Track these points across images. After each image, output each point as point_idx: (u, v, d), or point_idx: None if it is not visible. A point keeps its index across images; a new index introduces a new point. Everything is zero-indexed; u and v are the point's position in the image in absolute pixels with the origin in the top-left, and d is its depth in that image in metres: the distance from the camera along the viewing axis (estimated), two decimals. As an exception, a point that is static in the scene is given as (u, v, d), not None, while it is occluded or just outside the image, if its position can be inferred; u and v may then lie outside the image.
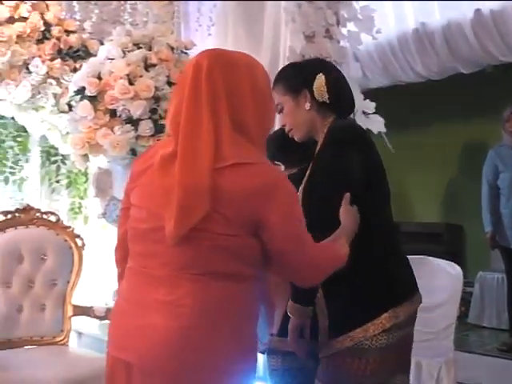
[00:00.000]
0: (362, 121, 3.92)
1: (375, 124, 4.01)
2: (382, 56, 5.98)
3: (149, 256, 1.97)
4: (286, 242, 1.92)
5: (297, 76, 2.48)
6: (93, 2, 4.62)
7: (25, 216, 4.16)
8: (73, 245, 4.15)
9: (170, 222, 1.87)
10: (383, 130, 4.02)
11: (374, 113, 4.01)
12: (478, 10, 5.29)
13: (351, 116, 2.69)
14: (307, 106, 2.43)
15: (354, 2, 4.08)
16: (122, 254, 2.13)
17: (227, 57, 2.01)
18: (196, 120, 1.90)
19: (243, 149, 1.92)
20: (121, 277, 2.14)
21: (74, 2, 4.45)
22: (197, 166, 1.87)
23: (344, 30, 4.12)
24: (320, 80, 2.39)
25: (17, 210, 4.22)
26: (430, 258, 4.13)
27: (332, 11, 3.98)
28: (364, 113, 3.99)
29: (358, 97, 3.98)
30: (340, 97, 2.45)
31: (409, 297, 2.40)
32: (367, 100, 4.02)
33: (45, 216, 4.18)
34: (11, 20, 4.34)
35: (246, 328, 1.98)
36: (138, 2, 4.74)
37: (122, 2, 4.74)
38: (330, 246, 2.11)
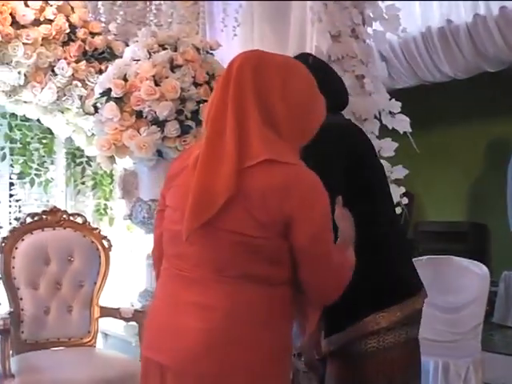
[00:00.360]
0: (388, 121, 3.91)
1: (401, 124, 3.98)
2: (408, 55, 5.94)
3: (182, 258, 1.97)
4: (312, 247, 1.90)
5: None
6: (117, 4, 4.62)
7: (52, 218, 4.17)
8: (100, 246, 4.16)
9: (185, 218, 1.88)
10: (409, 129, 4.00)
11: (400, 112, 3.99)
12: (502, 8, 5.24)
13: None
14: None
15: (379, 1, 4.06)
16: (158, 255, 2.14)
17: (260, 57, 1.99)
18: (221, 119, 1.90)
19: (274, 146, 1.89)
20: (157, 278, 2.15)
21: (99, 4, 4.45)
22: (217, 167, 1.86)
23: (369, 30, 4.11)
24: None
25: (44, 212, 4.24)
26: (456, 257, 4.11)
27: (358, 10, 3.95)
28: (390, 113, 3.97)
29: (383, 97, 3.98)
30: (331, 94, 2.37)
31: (398, 300, 2.33)
32: (393, 100, 4.00)
33: (72, 218, 4.19)
34: (37, 23, 4.36)
35: (279, 330, 1.96)
36: (162, 2, 4.73)
37: (147, 2, 4.74)
38: (346, 258, 2.05)
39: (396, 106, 4.00)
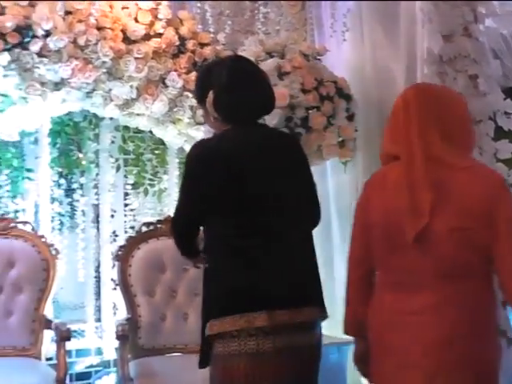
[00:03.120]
0: (503, 122, 3.78)
1: (517, 124, 3.86)
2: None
3: (406, 267, 2.31)
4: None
5: (198, 93, 2.71)
6: (225, 13, 4.67)
7: (166, 227, 4.25)
8: (214, 255, 4.19)
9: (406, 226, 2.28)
10: (525, 130, 3.87)
11: (517, 113, 3.86)
12: None
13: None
14: (212, 118, 2.65)
15: (491, -2, 3.96)
16: (362, 266, 2.53)
17: (431, 89, 2.56)
18: (408, 141, 2.36)
19: (461, 157, 2.36)
20: (353, 285, 2.56)
21: (208, 15, 4.51)
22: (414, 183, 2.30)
23: (481, 27, 3.99)
24: (209, 99, 2.59)
25: (158, 222, 4.34)
26: None
27: (469, 8, 3.85)
28: (506, 113, 3.84)
29: (498, 97, 3.85)
30: (227, 112, 2.60)
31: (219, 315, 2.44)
32: (508, 99, 3.87)
33: (185, 227, 4.25)
34: (147, 37, 4.45)
35: (494, 321, 2.35)
36: (270, 10, 4.75)
37: (255, 11, 4.78)
38: None
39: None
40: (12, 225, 4.33)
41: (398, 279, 2.35)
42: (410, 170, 2.32)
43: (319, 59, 4.42)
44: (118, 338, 3.87)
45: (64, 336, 3.88)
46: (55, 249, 4.33)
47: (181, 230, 2.65)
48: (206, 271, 2.58)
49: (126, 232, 5.07)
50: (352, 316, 2.57)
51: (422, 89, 2.54)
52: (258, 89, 2.64)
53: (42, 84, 4.18)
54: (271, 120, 4.00)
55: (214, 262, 2.54)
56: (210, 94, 2.57)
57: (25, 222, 4.41)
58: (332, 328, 4.88)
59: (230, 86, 2.59)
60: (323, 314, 2.63)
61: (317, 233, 2.77)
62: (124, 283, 4.19)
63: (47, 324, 4.16)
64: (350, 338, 4.59)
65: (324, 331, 4.60)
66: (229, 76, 2.61)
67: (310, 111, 4.18)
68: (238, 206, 2.48)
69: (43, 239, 4.34)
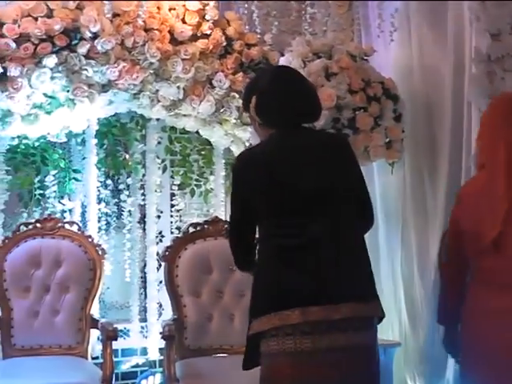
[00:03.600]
0: None
1: None
2: None
3: (497, 266, 2.59)
4: None
5: (244, 99, 2.76)
6: (272, 14, 4.66)
7: (213, 228, 4.28)
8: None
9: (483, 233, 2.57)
10: None
11: None
12: None
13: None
14: (256, 123, 2.70)
15: (541, -5, 3.88)
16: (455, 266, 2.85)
17: None
18: (494, 151, 2.59)
19: None
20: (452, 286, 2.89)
21: (255, 16, 4.50)
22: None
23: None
24: (252, 104, 2.65)
25: (205, 222, 4.34)
26: None
27: (517, 7, 3.80)
28: None
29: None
30: (268, 117, 2.64)
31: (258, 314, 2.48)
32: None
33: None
34: (194, 38, 4.46)
35: None
36: (316, 11, 4.72)
37: (302, 12, 4.75)
38: None
39: None
40: (59, 225, 4.37)
41: (488, 279, 2.65)
42: (491, 178, 2.57)
43: (366, 60, 4.38)
44: (164, 338, 3.88)
45: (110, 335, 3.91)
46: (102, 249, 4.37)
47: (236, 241, 2.68)
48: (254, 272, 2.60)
49: (172, 233, 5.09)
50: (444, 309, 2.95)
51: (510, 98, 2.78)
52: (300, 95, 2.67)
53: (90, 86, 4.23)
54: (318, 121, 3.97)
55: (257, 263, 2.58)
56: (254, 99, 2.63)
57: (72, 223, 4.45)
58: (378, 330, 4.85)
59: (271, 91, 2.65)
60: (373, 312, 2.56)
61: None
62: (171, 284, 4.20)
63: (93, 323, 4.20)
64: (396, 339, 4.59)
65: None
66: (270, 81, 2.67)
67: (357, 112, 4.14)
68: (280, 207, 2.50)
69: (90, 239, 4.38)
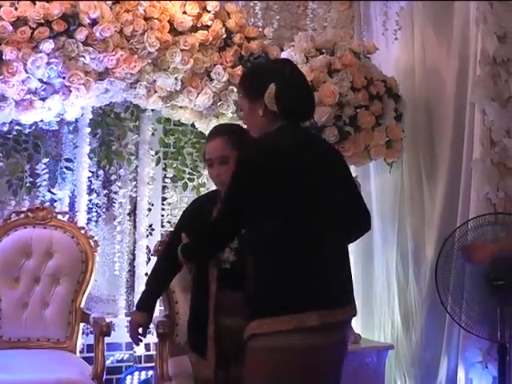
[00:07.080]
0: None
1: None
2: None
3: None
4: None
5: (254, 85, 2.65)
6: (275, 8, 4.60)
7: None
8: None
9: None
10: None
11: None
12: None
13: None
14: (260, 112, 2.59)
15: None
16: None
17: None
18: None
19: None
20: None
21: (257, 9, 4.43)
22: None
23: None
24: (270, 91, 2.54)
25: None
26: None
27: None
28: None
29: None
30: (288, 107, 2.56)
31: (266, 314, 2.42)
32: None
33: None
34: (194, 29, 4.38)
35: None
36: (317, 7, 4.67)
37: (302, 7, 4.70)
38: None
39: None
40: (51, 215, 4.28)
41: None
42: None
43: (368, 57, 4.33)
44: (158, 336, 3.79)
45: (104, 331, 3.81)
46: (94, 241, 4.28)
47: (224, 236, 2.62)
48: (255, 269, 2.52)
49: (162, 226, 5.02)
50: None
51: None
52: (309, 91, 2.71)
53: (86, 73, 4.13)
54: (320, 118, 3.94)
55: (262, 261, 2.49)
56: (272, 86, 2.54)
57: (65, 213, 4.36)
58: (370, 332, 4.84)
59: (296, 80, 2.63)
60: (355, 313, 2.64)
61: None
62: (162, 279, 4.11)
63: (83, 317, 4.11)
64: (388, 342, 4.56)
65: (363, 335, 4.55)
66: (292, 71, 2.65)
67: (359, 110, 4.10)
68: (288, 205, 2.45)
69: (82, 231, 4.29)
